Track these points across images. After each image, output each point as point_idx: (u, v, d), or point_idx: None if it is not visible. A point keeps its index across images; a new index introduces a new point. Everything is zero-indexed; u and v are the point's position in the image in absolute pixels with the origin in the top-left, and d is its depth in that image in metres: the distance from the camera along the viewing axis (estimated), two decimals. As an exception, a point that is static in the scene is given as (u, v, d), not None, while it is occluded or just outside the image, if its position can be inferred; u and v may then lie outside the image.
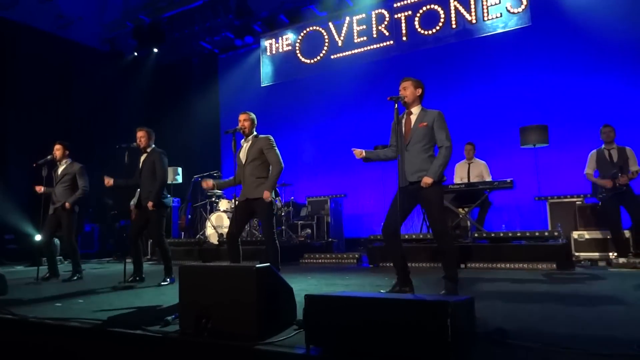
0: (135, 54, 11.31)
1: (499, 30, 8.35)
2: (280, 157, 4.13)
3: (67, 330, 2.69)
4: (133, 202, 8.13)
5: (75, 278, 5.20)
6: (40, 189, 5.41)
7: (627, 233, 5.52)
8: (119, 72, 11.09)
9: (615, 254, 5.47)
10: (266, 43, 10.78)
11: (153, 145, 4.94)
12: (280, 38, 10.61)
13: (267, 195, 3.97)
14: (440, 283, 3.57)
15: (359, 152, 3.79)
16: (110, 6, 10.84)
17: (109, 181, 4.84)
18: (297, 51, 10.36)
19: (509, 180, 5.78)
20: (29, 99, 9.28)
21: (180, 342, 2.31)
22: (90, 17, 10.48)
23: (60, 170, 5.42)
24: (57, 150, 5.43)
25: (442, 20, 8.81)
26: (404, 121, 3.66)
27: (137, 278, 4.80)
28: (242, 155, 4.17)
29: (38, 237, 7.88)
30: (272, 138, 4.17)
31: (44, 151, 5.60)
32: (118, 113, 10.75)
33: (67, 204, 5.22)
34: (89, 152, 9.08)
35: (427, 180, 3.39)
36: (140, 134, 4.87)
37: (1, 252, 8.22)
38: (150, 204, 4.66)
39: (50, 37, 9.82)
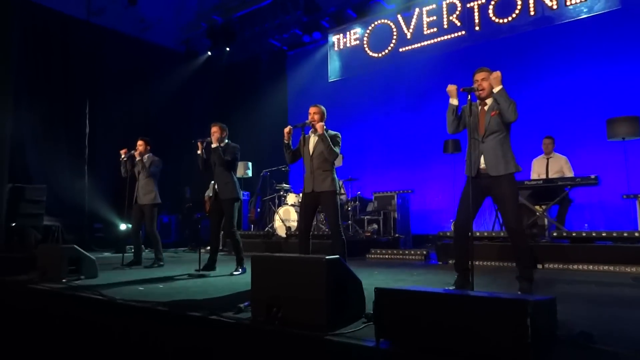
0: (209, 53, 11.83)
1: (583, 16, 7.74)
2: (339, 153, 4.18)
3: (149, 312, 2.88)
4: (207, 194, 8.57)
5: (156, 265, 5.57)
6: (124, 151, 5.78)
7: None
8: (193, 71, 11.68)
9: None
10: (334, 38, 10.81)
11: (227, 140, 5.13)
12: (347, 33, 10.59)
13: (321, 125, 4.04)
14: (514, 283, 3.41)
15: (453, 88, 3.60)
16: (186, 9, 11.41)
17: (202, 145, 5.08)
18: (365, 45, 10.29)
19: (593, 176, 5.37)
20: (114, 98, 10.04)
21: (252, 328, 2.39)
22: (168, 20, 11.11)
23: (142, 165, 5.80)
24: (140, 145, 5.82)
25: (518, 7, 8.34)
26: (478, 112, 3.52)
27: (211, 268, 5.01)
28: (310, 147, 4.21)
29: (123, 226, 8.55)
30: (340, 135, 4.21)
31: (127, 146, 6.02)
32: (192, 110, 11.34)
33: (151, 196, 5.61)
34: (165, 146, 9.65)
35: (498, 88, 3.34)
36: (214, 129, 5.09)
37: (90, 240, 8.96)
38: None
39: (132, 40, 10.56)
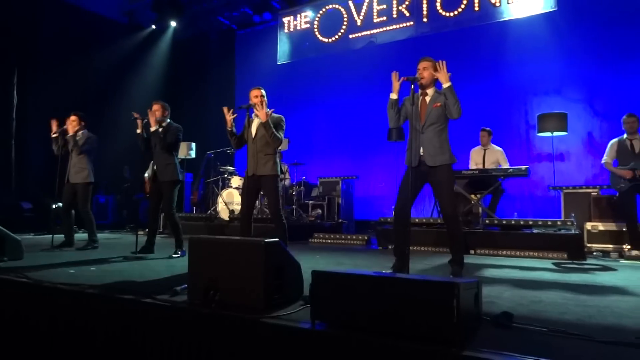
0: (154, 27, 11.29)
1: (523, 14, 8.12)
2: (282, 138, 4.22)
3: (79, 295, 2.75)
4: (147, 174, 8.27)
5: (90, 247, 5.31)
6: (55, 124, 5.47)
7: (642, 226, 5.43)
8: (136, 45, 11.10)
9: (629, 246, 5.39)
10: (284, 20, 10.66)
11: (169, 120, 4.96)
12: (298, 15, 10.47)
13: (265, 113, 4.08)
14: (447, 267, 3.59)
15: (396, 78, 3.68)
16: (130, -22, 10.80)
17: (138, 116, 4.88)
18: (315, 29, 10.23)
19: (523, 167, 5.70)
20: (49, 69, 9.36)
21: (188, 312, 2.35)
22: (109, -13, 10.47)
23: (75, 141, 5.47)
24: (73, 121, 5.48)
25: (464, 2, 8.60)
26: (419, 102, 3.62)
27: (149, 250, 4.86)
28: (252, 131, 4.20)
29: (54, 206, 8.07)
30: (284, 119, 4.24)
31: (61, 120, 5.66)
32: (134, 86, 10.80)
33: (84, 174, 5.32)
34: (104, 123, 9.16)
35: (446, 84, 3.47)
36: (156, 107, 4.90)
37: (18, 220, 8.40)
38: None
39: (70, 7, 9.84)
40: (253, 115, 4.25)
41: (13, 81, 8.88)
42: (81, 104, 8.89)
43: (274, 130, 4.09)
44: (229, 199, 7.79)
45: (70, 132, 5.47)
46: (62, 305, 2.78)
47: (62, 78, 9.50)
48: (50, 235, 5.63)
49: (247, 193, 4.21)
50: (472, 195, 6.20)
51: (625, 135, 5.50)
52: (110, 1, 10.68)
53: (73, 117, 5.49)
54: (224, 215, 7.68)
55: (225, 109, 4.24)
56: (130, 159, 9.69)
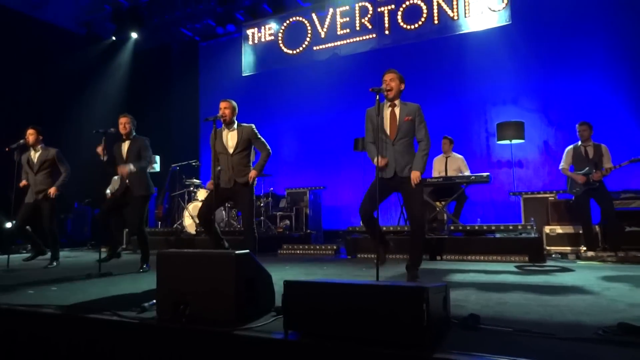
0: (113, 38, 11.04)
1: (480, 28, 8.45)
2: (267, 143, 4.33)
3: (40, 316, 2.64)
4: (109, 190, 8.03)
5: (53, 265, 5.11)
6: (24, 183, 5.30)
7: (596, 228, 5.71)
8: (95, 56, 10.80)
9: (585, 247, 5.66)
10: (248, 32, 10.66)
11: (134, 133, 4.86)
12: (262, 27, 10.51)
13: (253, 173, 4.15)
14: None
15: (383, 162, 3.66)
16: (87, -12, 10.55)
17: (103, 151, 4.72)
18: (280, 41, 10.29)
19: (485, 174, 5.90)
20: (1, 81, 8.97)
21: (157, 328, 2.30)
22: (65, -1, 10.18)
23: (36, 157, 5.29)
24: (31, 134, 5.29)
25: (424, 15, 8.87)
26: (387, 113, 3.71)
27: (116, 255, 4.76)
28: (227, 143, 4.21)
29: (8, 225, 7.70)
30: (255, 127, 4.27)
31: (15, 135, 5.44)
32: (93, 98, 10.49)
33: (53, 190, 5.15)
34: (61, 137, 8.84)
35: (417, 174, 3.59)
36: (124, 120, 4.79)
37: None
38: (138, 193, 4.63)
39: (23, 17, 9.49)
40: (222, 126, 4.25)
41: (-38, 94, 8.47)
42: (38, 117, 8.57)
43: (260, 141, 4.27)
44: (196, 212, 7.65)
45: (32, 144, 5.29)
46: (21, 328, 2.65)
47: (15, 90, 9.13)
48: (5, 256, 5.37)
49: (214, 199, 4.16)
50: (437, 203, 6.35)
51: (579, 142, 5.79)
52: (66, 12, 10.37)
53: (31, 131, 5.30)
54: (191, 229, 7.55)
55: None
56: (90, 173, 9.38)
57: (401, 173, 3.64)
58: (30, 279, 4.18)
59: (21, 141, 5.29)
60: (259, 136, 4.32)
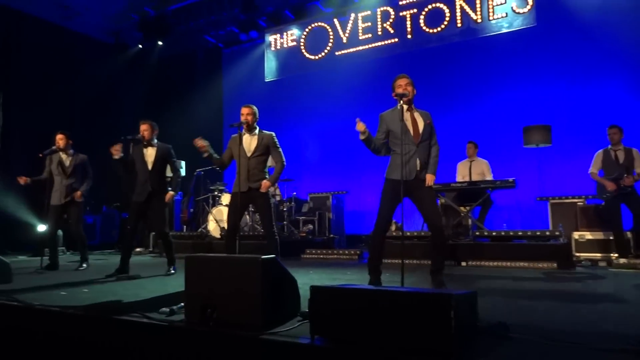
0: (140, 46, 11.32)
1: (504, 30, 8.34)
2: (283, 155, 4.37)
3: (73, 317, 2.72)
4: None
5: (83, 267, 5.27)
6: (24, 180, 5.43)
7: (628, 234, 5.55)
8: (123, 64, 11.10)
9: (616, 254, 5.49)
10: (271, 38, 10.78)
11: (156, 139, 4.96)
12: (285, 33, 10.60)
13: (266, 184, 4.18)
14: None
15: (362, 126, 3.63)
16: (115, -2, 10.84)
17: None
18: (302, 47, 10.36)
19: (511, 179, 5.80)
20: (32, 90, 9.30)
21: (186, 330, 2.34)
22: (95, 9, 10.46)
23: (68, 161, 5.46)
24: (60, 139, 5.47)
25: (447, 18, 8.81)
26: (408, 117, 3.71)
27: (123, 271, 4.68)
28: (246, 147, 4.25)
29: (41, 228, 7.95)
30: (275, 135, 4.30)
31: (47, 141, 5.63)
32: (121, 105, 10.78)
33: (79, 194, 5.31)
34: (90, 143, 9.09)
35: (433, 177, 3.64)
36: (144, 127, 4.89)
37: (5, 242, 8.25)
38: (170, 194, 4.80)
39: (54, 28, 9.83)
40: (243, 130, 4.31)
41: (-2, 102, 8.79)
42: (68, 124, 8.83)
43: (278, 151, 4.31)
44: (220, 217, 7.76)
45: (63, 149, 5.46)
46: (55, 328, 2.74)
47: (48, 98, 9.45)
48: (39, 257, 5.54)
49: (235, 210, 4.23)
50: (461, 208, 6.28)
51: (609, 146, 5.64)
52: (95, 22, 10.67)
53: (60, 136, 5.48)
54: (215, 233, 7.64)
55: (196, 141, 4.33)
56: (118, 178, 9.61)
57: (421, 175, 3.66)
58: (62, 280, 4.30)
59: (53, 147, 5.46)
60: (278, 145, 4.36)
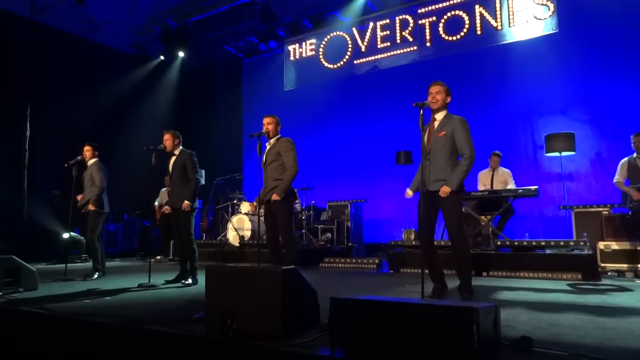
0: (162, 57, 11.57)
1: (525, 37, 8.24)
2: (296, 161, 4.18)
3: (96, 326, 2.77)
4: (157, 202, 8.33)
5: (93, 277, 5.27)
6: (79, 197, 5.58)
7: (656, 244, 5.38)
8: (145, 75, 11.36)
9: (644, 265, 5.33)
10: (290, 48, 10.88)
11: (181, 147, 5.03)
12: (303, 43, 10.69)
13: (274, 197, 4.06)
14: (455, 292, 3.58)
15: (408, 193, 3.85)
16: (139, 11, 11.12)
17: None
18: (321, 56, 10.42)
19: (533, 188, 5.70)
20: (59, 101, 9.57)
21: (206, 340, 2.35)
22: (119, 22, 10.77)
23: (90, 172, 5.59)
24: (87, 151, 5.60)
25: (466, 26, 8.75)
26: (428, 128, 3.67)
27: (183, 280, 4.74)
28: (265, 157, 4.28)
29: (65, 235, 8.14)
30: (292, 141, 4.25)
31: (73, 152, 5.77)
32: (143, 116, 11.01)
33: (90, 207, 5.39)
34: (114, 153, 9.31)
35: (446, 189, 3.45)
36: (166, 136, 4.98)
37: (30, 249, 8.46)
38: (186, 204, 4.75)
39: (80, 41, 10.13)
40: (267, 143, 4.34)
41: (26, 114, 9.08)
42: (92, 135, 9.05)
43: (288, 155, 4.18)
44: (239, 225, 7.82)
45: (88, 160, 5.59)
46: (80, 336, 2.79)
47: (73, 109, 9.72)
48: (63, 265, 5.67)
49: (266, 221, 4.25)
50: (482, 217, 6.18)
51: (635, 154, 5.50)
52: (119, 34, 10.97)
53: (87, 147, 5.61)
54: (234, 241, 7.70)
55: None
56: (140, 186, 9.79)
57: (430, 187, 3.54)
58: (85, 288, 4.38)
59: (79, 157, 5.60)
60: (289, 150, 4.17)
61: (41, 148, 9.19)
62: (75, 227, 5.93)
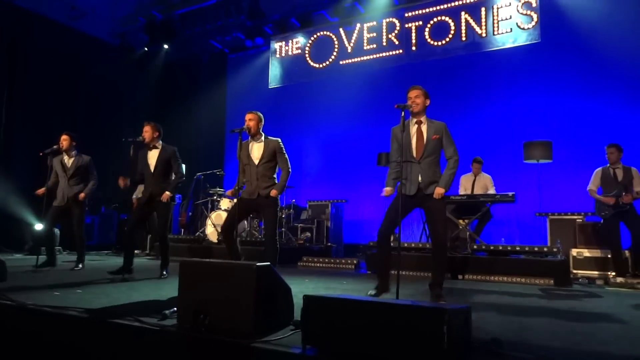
0: (146, 49, 11.38)
1: (508, 45, 8.37)
2: (289, 163, 4.34)
3: (65, 318, 2.71)
4: (135, 195, 8.19)
5: (79, 267, 5.26)
6: (41, 192, 5.41)
7: (626, 253, 5.53)
8: (128, 66, 11.14)
9: (614, 273, 5.47)
10: (276, 45, 10.84)
11: (161, 141, 4.96)
12: (290, 41, 10.66)
13: (274, 193, 4.17)
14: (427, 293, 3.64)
15: (388, 192, 3.78)
16: (123, 0, 10.92)
17: (125, 182, 4.79)
18: (307, 55, 10.41)
19: (510, 194, 5.79)
20: (37, 89, 9.33)
21: (178, 336, 2.32)
22: (103, 10, 10.54)
23: (70, 162, 5.47)
24: (65, 140, 5.48)
25: (452, 32, 8.85)
26: (414, 131, 3.71)
27: (127, 270, 4.75)
28: (253, 154, 4.25)
29: (38, 227, 7.94)
30: (281, 142, 4.29)
31: (50, 141, 5.64)
32: (125, 107, 10.81)
33: (82, 195, 5.31)
34: (93, 144, 9.11)
35: (441, 191, 3.55)
36: (146, 128, 4.91)
37: (2, 240, 8.24)
38: (167, 194, 4.73)
39: (61, 28, 9.88)
40: (249, 139, 4.32)
41: (2, 100, 8.83)
42: (71, 124, 8.87)
43: (284, 157, 4.28)
44: (218, 221, 7.73)
45: (66, 150, 5.46)
46: (47, 328, 2.72)
47: (51, 97, 9.48)
48: (35, 256, 5.53)
49: (237, 212, 4.21)
50: (460, 220, 6.26)
51: (608, 165, 5.64)
52: (102, 23, 10.75)
53: (65, 137, 5.48)
54: (213, 237, 7.62)
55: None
56: (117, 179, 9.60)
57: (426, 190, 3.61)
58: (56, 280, 4.29)
59: (54, 146, 5.47)
60: (284, 152, 4.32)
61: (17, 136, 8.95)
62: (57, 224, 5.79)
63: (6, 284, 3.92)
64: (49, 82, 9.50)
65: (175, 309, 2.56)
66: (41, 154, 5.46)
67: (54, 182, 5.47)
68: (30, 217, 8.45)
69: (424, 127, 3.68)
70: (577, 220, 6.30)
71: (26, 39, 9.30)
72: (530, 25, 8.14)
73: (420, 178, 3.61)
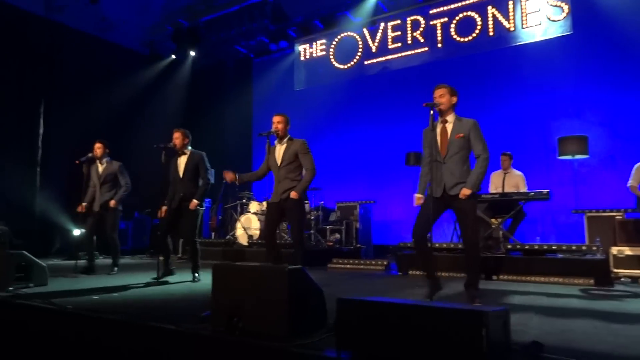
0: (173, 57, 11.63)
1: (538, 39, 8.14)
2: (314, 163, 4.25)
3: (103, 322, 2.77)
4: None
5: (114, 271, 5.42)
6: (82, 208, 5.56)
7: (671, 250, 5.27)
8: (157, 74, 11.42)
9: (658, 272, 5.23)
10: (300, 48, 10.88)
11: (190, 147, 5.05)
12: (314, 43, 10.68)
13: (294, 194, 4.09)
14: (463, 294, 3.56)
15: (419, 200, 3.70)
16: (151, 10, 11.18)
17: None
18: (331, 56, 10.41)
19: (545, 191, 5.62)
20: (72, 99, 9.66)
21: (212, 339, 2.34)
22: (132, 21, 10.83)
23: (101, 169, 5.62)
24: (98, 148, 5.64)
25: (478, 27, 8.68)
26: (439, 130, 3.64)
27: (167, 274, 4.87)
28: (277, 156, 4.26)
29: (76, 232, 8.21)
30: (306, 142, 4.26)
31: (84, 150, 5.81)
32: (155, 114, 11.06)
33: (112, 202, 5.43)
34: (126, 151, 9.36)
35: (466, 192, 3.43)
36: (176, 134, 5.00)
37: (41, 245, 8.55)
38: (194, 202, 4.80)
39: (93, 39, 10.22)
40: (275, 141, 4.33)
41: (40, 111, 9.18)
42: (104, 132, 9.08)
43: (307, 157, 4.21)
44: (248, 224, 7.82)
45: (99, 158, 5.61)
46: (86, 331, 2.80)
47: (85, 107, 9.80)
48: (74, 261, 5.71)
49: (270, 217, 4.26)
50: (493, 220, 6.11)
51: (649, 158, 5.41)
52: (131, 33, 11.04)
53: (98, 145, 5.64)
54: (243, 240, 7.70)
55: (226, 175, 4.35)
56: (150, 184, 9.83)
57: (450, 191, 3.52)
58: (94, 284, 4.41)
59: (89, 154, 5.64)
60: (307, 152, 4.24)
61: (54, 145, 9.28)
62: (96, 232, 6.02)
63: (48, 288, 4.05)
64: (83, 92, 9.82)
65: (208, 312, 2.59)
66: (77, 162, 5.63)
67: (92, 192, 5.62)
68: (68, 223, 8.74)
69: (449, 126, 3.61)
70: (617, 217, 6.05)
71: (61, 52, 9.65)
72: (560, 17, 7.90)
73: (444, 178, 3.53)
